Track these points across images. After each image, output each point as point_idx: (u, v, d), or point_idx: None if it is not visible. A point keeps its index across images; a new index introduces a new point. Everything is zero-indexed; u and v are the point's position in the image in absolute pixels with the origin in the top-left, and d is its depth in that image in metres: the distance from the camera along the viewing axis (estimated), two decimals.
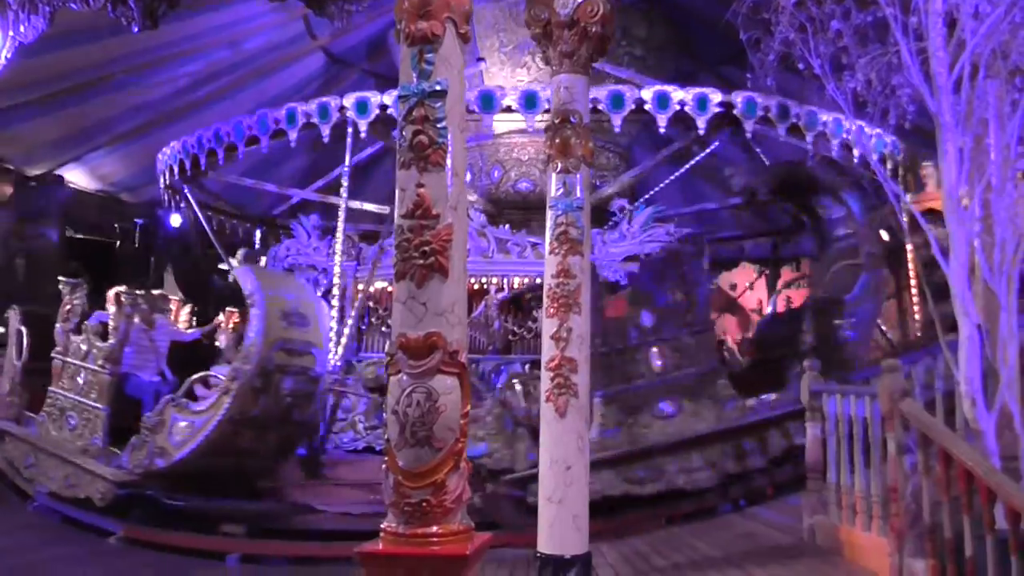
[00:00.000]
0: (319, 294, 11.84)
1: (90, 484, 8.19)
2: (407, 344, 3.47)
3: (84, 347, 9.07)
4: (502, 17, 12.88)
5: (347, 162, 10.94)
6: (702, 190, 16.23)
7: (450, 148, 3.58)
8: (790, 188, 9.90)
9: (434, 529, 3.37)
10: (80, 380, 8.93)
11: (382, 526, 3.47)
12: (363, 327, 11.93)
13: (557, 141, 5.53)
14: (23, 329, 10.22)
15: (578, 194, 5.51)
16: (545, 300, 5.51)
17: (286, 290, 8.44)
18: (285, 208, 14.71)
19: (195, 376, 8.77)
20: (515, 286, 10.96)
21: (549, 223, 5.55)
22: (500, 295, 10.95)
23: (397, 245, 3.56)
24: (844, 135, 10.09)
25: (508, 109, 10.20)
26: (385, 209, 16.01)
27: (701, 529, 6.55)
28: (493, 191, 12.97)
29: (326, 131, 10.35)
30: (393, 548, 3.39)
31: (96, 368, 8.79)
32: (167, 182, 12.26)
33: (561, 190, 5.51)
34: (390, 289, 11.77)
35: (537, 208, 12.92)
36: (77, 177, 16.57)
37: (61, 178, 15.52)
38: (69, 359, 9.20)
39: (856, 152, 9.94)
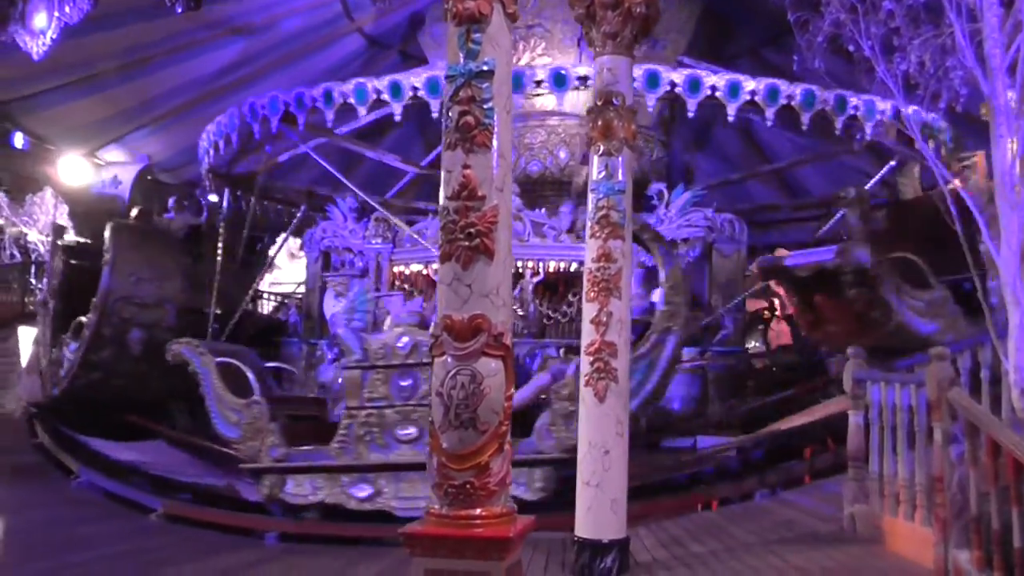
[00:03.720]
0: (356, 276, 11.98)
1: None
2: (452, 325, 3.46)
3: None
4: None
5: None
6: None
7: (496, 129, 3.56)
8: None
9: (478, 511, 3.38)
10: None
11: (426, 507, 3.49)
12: None
13: (599, 123, 5.48)
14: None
15: (620, 177, 5.46)
16: (585, 284, 5.47)
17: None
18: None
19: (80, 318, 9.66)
20: (550, 270, 10.90)
21: (590, 206, 5.51)
22: (535, 279, 10.91)
23: (442, 227, 3.55)
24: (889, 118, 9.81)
25: (539, 83, 9.99)
26: None
27: (737, 515, 6.51)
28: (522, 174, 12.82)
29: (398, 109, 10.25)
30: (437, 529, 3.39)
31: None
32: (210, 162, 12.29)
33: (603, 173, 5.46)
34: (425, 271, 11.85)
35: (550, 188, 12.97)
36: (117, 158, 16.79)
37: None
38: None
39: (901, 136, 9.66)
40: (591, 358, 5.34)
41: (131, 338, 10.73)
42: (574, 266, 10.92)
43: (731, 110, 9.53)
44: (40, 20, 8.81)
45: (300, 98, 10.32)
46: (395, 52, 16.36)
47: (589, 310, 5.41)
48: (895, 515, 5.02)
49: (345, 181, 11.69)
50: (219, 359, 8.04)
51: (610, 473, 5.25)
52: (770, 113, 9.51)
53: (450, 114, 3.57)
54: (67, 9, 8.22)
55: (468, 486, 3.37)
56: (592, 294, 5.39)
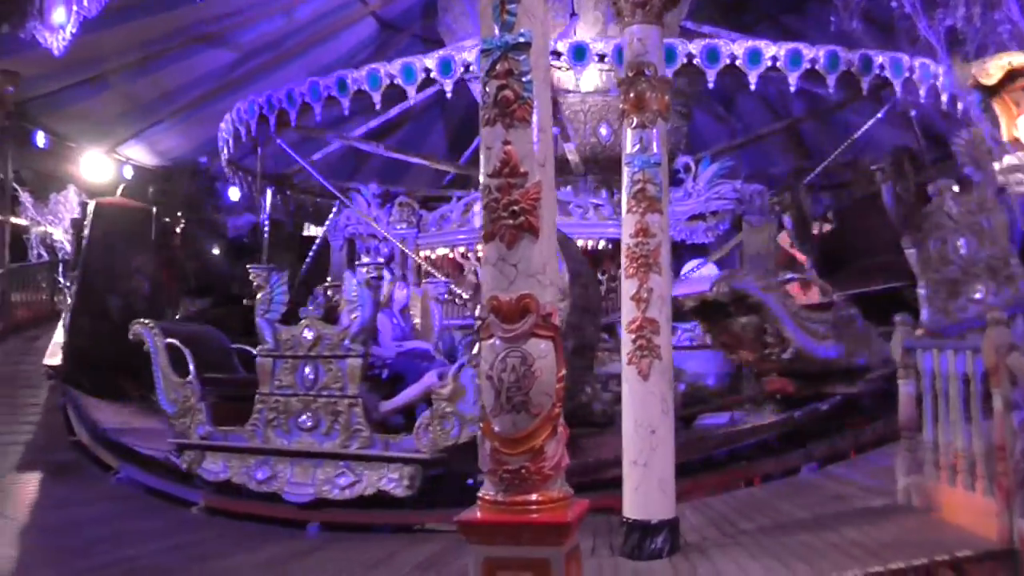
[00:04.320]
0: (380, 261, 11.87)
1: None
2: (499, 307, 3.37)
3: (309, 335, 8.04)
4: None
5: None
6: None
7: (536, 103, 3.45)
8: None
9: (533, 497, 3.29)
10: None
11: (479, 494, 3.41)
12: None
13: (631, 95, 5.34)
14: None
15: (655, 150, 5.33)
16: (624, 260, 5.36)
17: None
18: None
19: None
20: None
21: (625, 180, 5.39)
22: None
23: (485, 205, 3.45)
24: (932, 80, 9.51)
25: (556, 54, 9.77)
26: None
27: (784, 491, 6.38)
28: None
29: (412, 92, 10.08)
30: (492, 516, 3.31)
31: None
32: (231, 152, 12.23)
33: (637, 146, 5.33)
34: (451, 255, 11.76)
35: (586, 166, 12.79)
36: (137, 153, 16.82)
37: None
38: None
39: (944, 96, 9.36)
40: (633, 335, 5.24)
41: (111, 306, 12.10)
42: (601, 244, 10.81)
43: (752, 78, 9.30)
44: (58, 15, 8.76)
45: (315, 88, 10.20)
46: (409, 35, 16.25)
47: (629, 287, 5.30)
48: (953, 486, 4.88)
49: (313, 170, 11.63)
50: (168, 340, 8.28)
51: (657, 452, 5.16)
52: (793, 78, 9.28)
53: (487, 89, 3.45)
54: (85, 2, 8.15)
55: (523, 471, 3.28)
56: (631, 270, 5.27)
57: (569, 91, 11.89)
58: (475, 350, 7.06)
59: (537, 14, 3.48)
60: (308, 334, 7.72)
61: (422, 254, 11.63)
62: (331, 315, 8.34)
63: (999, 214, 6.23)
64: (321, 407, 7.43)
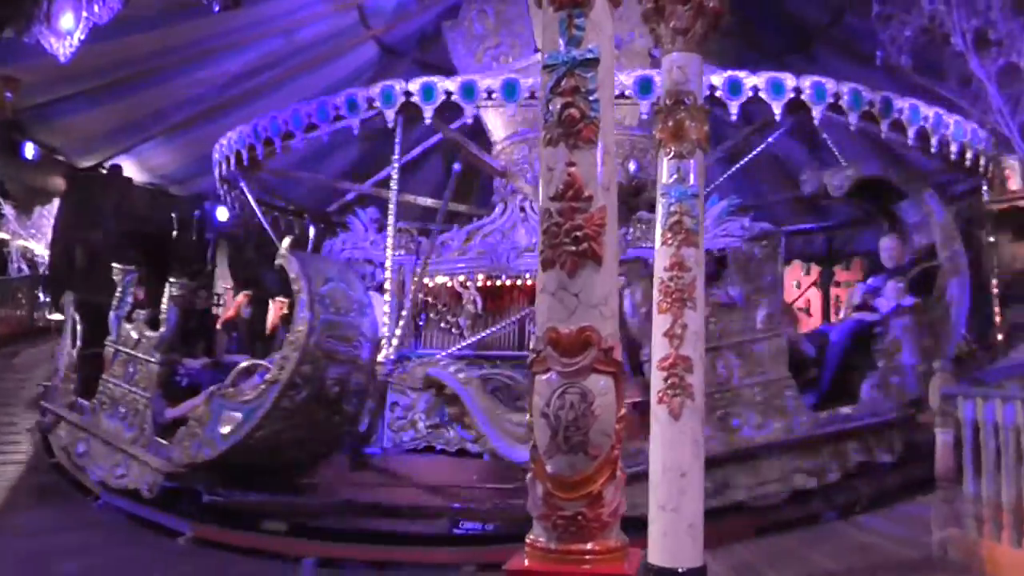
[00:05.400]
0: (375, 288, 11.61)
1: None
2: (558, 339, 3.13)
3: (135, 335, 8.94)
4: None
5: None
6: (756, 184, 15.79)
7: (601, 123, 3.26)
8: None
9: (589, 546, 3.03)
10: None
11: (528, 539, 3.16)
12: (420, 322, 11.61)
13: (669, 124, 5.15)
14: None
15: (692, 181, 5.13)
16: (656, 295, 5.14)
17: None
18: (339, 203, 14.44)
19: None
20: None
21: (660, 212, 5.19)
22: None
23: (545, 230, 3.22)
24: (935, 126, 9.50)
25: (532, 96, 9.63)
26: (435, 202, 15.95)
27: (808, 539, 6.15)
28: None
29: (391, 116, 9.90)
30: (544, 565, 3.05)
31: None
32: (222, 173, 11.95)
33: (675, 176, 5.13)
34: (449, 283, 11.50)
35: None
36: (126, 170, 16.47)
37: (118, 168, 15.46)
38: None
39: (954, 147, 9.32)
40: (665, 373, 5.00)
41: None
42: None
43: (776, 109, 9.24)
44: (67, 21, 8.49)
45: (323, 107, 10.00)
46: (410, 61, 16.10)
47: (661, 322, 5.07)
48: (998, 541, 4.68)
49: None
50: None
51: (687, 496, 4.90)
52: (817, 112, 9.22)
53: (550, 107, 3.25)
54: (96, 8, 7.90)
55: (580, 517, 3.04)
56: (664, 305, 5.05)
57: None
58: (228, 382, 8.08)
59: (605, 30, 3.29)
60: (134, 334, 8.85)
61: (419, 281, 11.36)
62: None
63: None
64: (131, 402, 8.54)
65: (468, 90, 9.46)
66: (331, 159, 15.04)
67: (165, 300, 8.83)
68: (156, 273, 11.47)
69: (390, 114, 9.80)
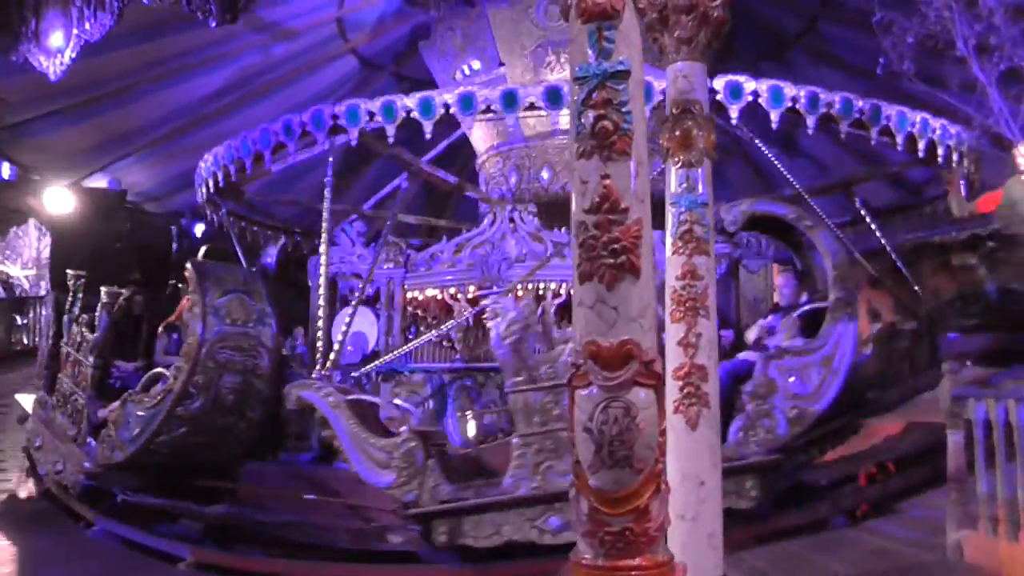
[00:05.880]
0: (362, 300, 11.55)
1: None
2: (599, 353, 3.10)
3: (78, 338, 9.59)
4: (520, 19, 12.53)
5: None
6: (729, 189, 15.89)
7: (635, 134, 3.25)
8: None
9: (637, 561, 3.00)
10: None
11: (572, 558, 3.12)
12: (410, 335, 11.52)
13: (677, 133, 5.17)
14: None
15: (701, 190, 5.16)
16: (669, 304, 5.14)
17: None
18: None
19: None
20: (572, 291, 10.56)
21: (670, 221, 5.20)
22: (557, 301, 10.56)
23: (581, 243, 3.20)
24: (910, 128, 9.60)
25: (532, 107, 9.67)
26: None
27: (819, 545, 6.16)
28: (542, 193, 12.50)
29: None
30: None
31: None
32: (207, 193, 11.80)
33: (684, 185, 5.15)
34: (439, 296, 11.45)
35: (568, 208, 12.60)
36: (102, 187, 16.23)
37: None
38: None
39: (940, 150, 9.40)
40: (680, 383, 5.00)
41: None
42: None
43: (774, 116, 9.30)
44: (56, 39, 8.35)
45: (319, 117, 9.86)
46: (388, 74, 16.05)
47: (675, 331, 5.07)
48: (1015, 541, 4.71)
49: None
50: None
51: (706, 505, 4.91)
52: (811, 121, 9.27)
53: (582, 120, 3.23)
54: (87, 26, 7.77)
55: (627, 532, 3.01)
56: (678, 314, 5.06)
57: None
58: (139, 387, 8.63)
59: (634, 42, 3.28)
60: (78, 337, 9.31)
61: (409, 295, 11.31)
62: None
63: None
64: (75, 401, 9.02)
65: (426, 106, 9.45)
66: (315, 174, 14.90)
67: (99, 307, 9.51)
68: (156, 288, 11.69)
69: (354, 132, 9.75)
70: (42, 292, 13.93)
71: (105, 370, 9.31)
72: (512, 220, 11.01)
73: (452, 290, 11.02)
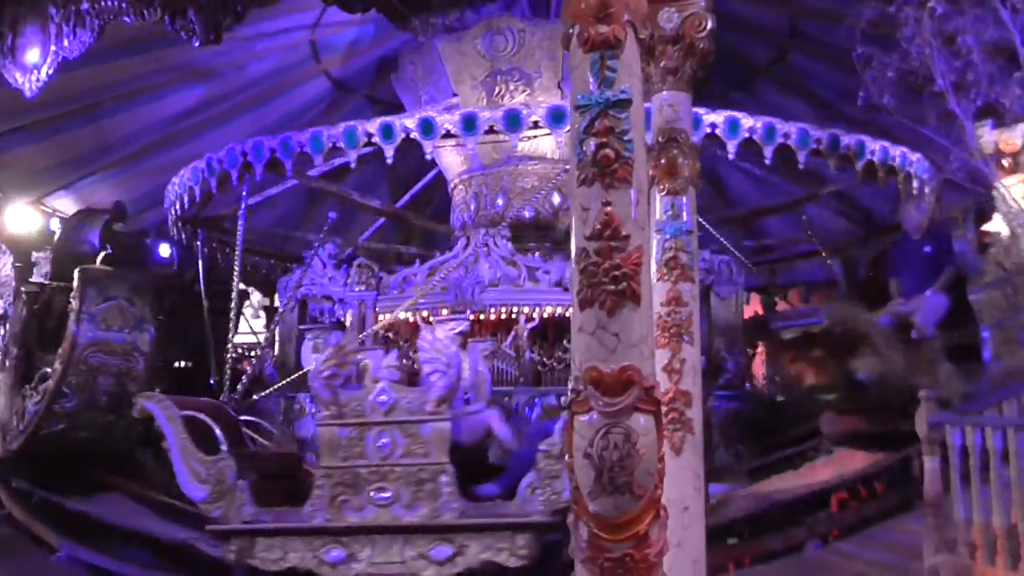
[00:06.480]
0: (333, 322, 11.52)
1: None
2: (600, 379, 3.12)
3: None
4: (467, 51, 12.67)
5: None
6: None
7: (635, 162, 3.29)
8: None
9: None
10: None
11: None
12: None
13: (663, 162, 5.27)
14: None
15: (685, 217, 5.24)
16: (654, 330, 5.19)
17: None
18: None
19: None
20: (545, 315, 10.61)
21: (656, 248, 5.26)
22: (530, 325, 10.59)
23: (582, 270, 3.22)
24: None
25: (491, 130, 9.78)
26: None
27: (797, 569, 6.22)
28: (497, 218, 12.58)
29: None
30: None
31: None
32: (177, 213, 11.69)
33: (669, 212, 5.24)
34: (411, 319, 11.42)
35: (542, 233, 12.77)
36: (65, 206, 15.93)
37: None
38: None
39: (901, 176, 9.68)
40: (665, 408, 5.02)
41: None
42: (571, 311, 10.67)
43: (731, 147, 9.46)
44: (32, 55, 8.23)
45: (286, 143, 9.88)
46: (360, 96, 16.05)
47: (660, 357, 5.10)
48: (992, 565, 4.80)
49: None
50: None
51: (690, 531, 4.94)
52: (768, 152, 9.46)
53: (584, 148, 3.26)
54: (66, 43, 7.67)
55: (627, 559, 3.02)
56: (663, 340, 5.12)
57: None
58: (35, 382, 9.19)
59: (635, 71, 3.33)
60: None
61: (381, 318, 11.26)
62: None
63: None
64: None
65: (387, 131, 9.54)
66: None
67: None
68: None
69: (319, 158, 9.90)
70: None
71: (28, 360, 9.80)
72: (486, 244, 11.05)
73: (425, 313, 11.00)
